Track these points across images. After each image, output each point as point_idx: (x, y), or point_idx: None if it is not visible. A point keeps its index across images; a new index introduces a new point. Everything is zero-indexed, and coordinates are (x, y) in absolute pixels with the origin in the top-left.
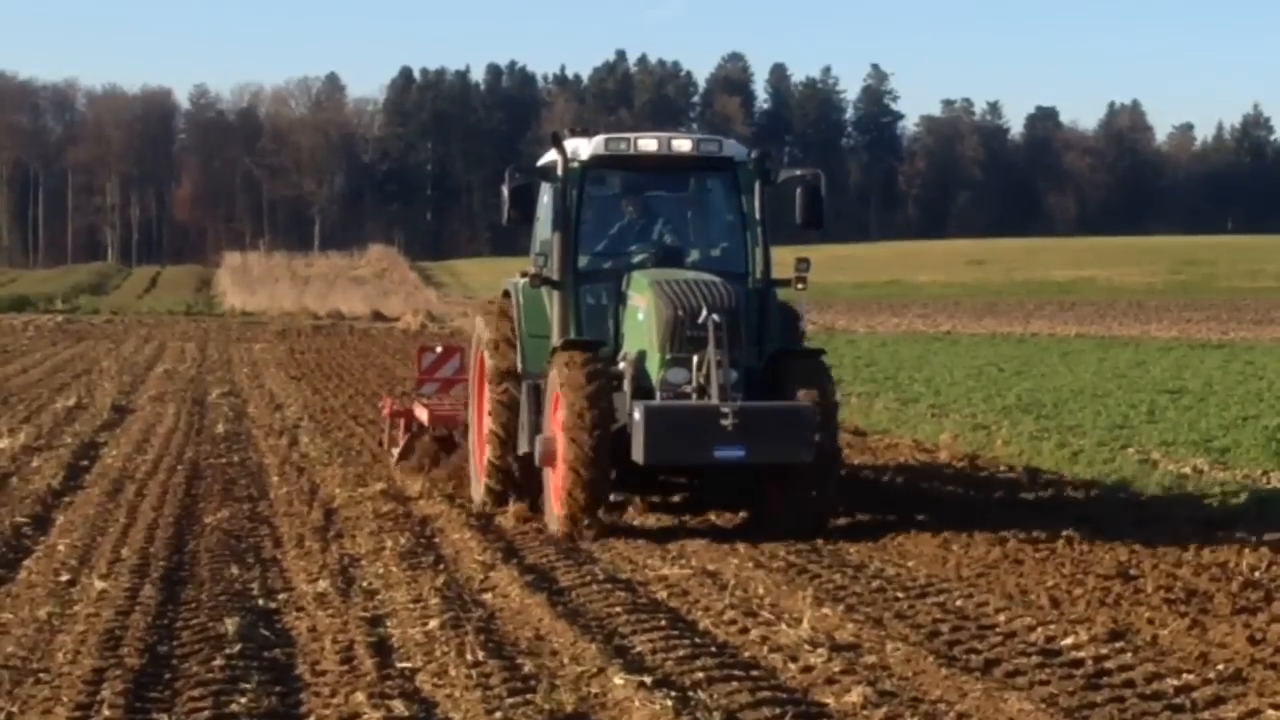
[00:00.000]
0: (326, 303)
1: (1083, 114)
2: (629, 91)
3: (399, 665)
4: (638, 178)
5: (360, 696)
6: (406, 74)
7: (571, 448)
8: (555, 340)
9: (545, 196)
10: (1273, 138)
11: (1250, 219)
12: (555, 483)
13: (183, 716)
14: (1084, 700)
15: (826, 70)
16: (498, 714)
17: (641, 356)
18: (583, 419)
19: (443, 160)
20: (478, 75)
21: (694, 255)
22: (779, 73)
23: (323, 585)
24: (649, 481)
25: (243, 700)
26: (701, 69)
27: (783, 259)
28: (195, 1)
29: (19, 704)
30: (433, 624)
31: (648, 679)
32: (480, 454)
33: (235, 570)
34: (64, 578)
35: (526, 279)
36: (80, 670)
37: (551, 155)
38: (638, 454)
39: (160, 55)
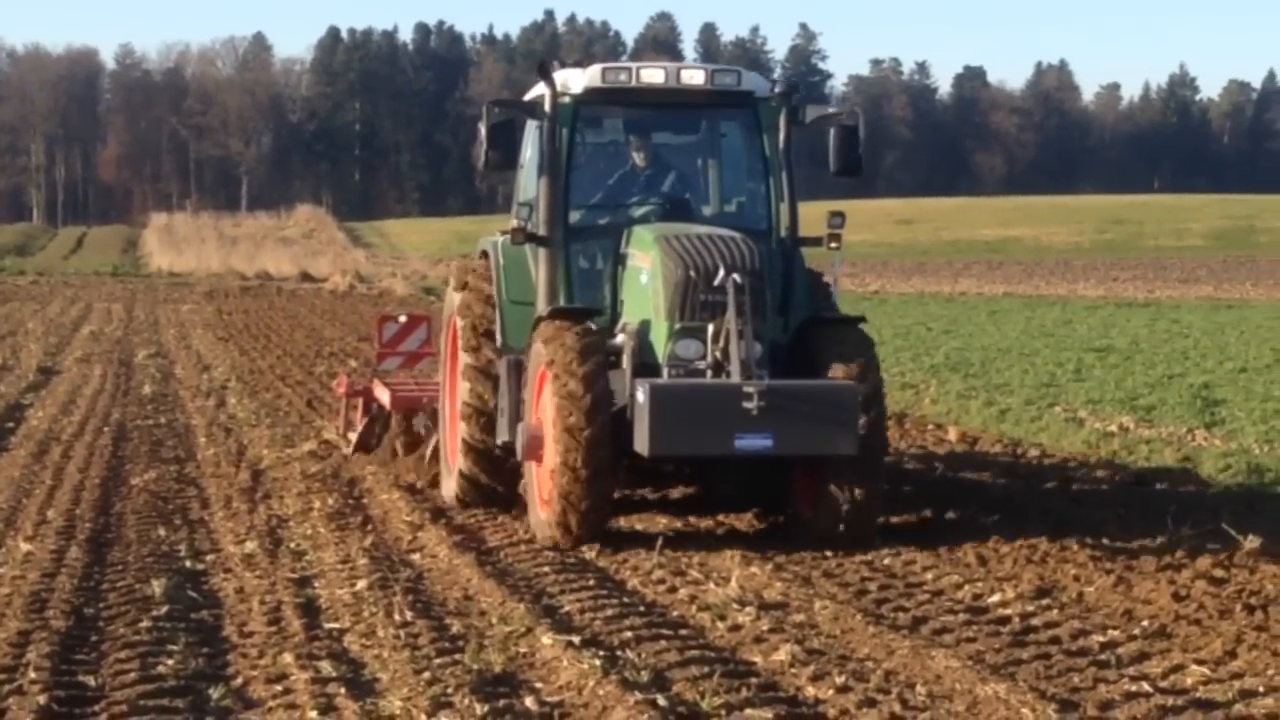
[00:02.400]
0: (254, 263)
1: (1010, 74)
2: (557, 51)
3: (327, 626)
4: (640, 116)
5: (288, 657)
6: (334, 33)
7: (564, 440)
8: (541, 307)
9: (530, 138)
10: (1198, 97)
11: (1176, 178)
12: (543, 482)
13: (109, 679)
14: (1010, 657)
15: (755, 30)
16: (426, 674)
17: (645, 327)
18: (577, 405)
19: (370, 120)
20: (406, 35)
21: (707, 209)
22: (708, 32)
23: (250, 546)
24: (646, 474)
25: (170, 662)
26: (630, 28)
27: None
28: None
29: None
30: (361, 585)
31: (576, 639)
32: (452, 441)
33: (162, 532)
34: None
35: (507, 236)
36: (5, 633)
37: (538, 89)
38: (641, 444)
39: (85, 14)
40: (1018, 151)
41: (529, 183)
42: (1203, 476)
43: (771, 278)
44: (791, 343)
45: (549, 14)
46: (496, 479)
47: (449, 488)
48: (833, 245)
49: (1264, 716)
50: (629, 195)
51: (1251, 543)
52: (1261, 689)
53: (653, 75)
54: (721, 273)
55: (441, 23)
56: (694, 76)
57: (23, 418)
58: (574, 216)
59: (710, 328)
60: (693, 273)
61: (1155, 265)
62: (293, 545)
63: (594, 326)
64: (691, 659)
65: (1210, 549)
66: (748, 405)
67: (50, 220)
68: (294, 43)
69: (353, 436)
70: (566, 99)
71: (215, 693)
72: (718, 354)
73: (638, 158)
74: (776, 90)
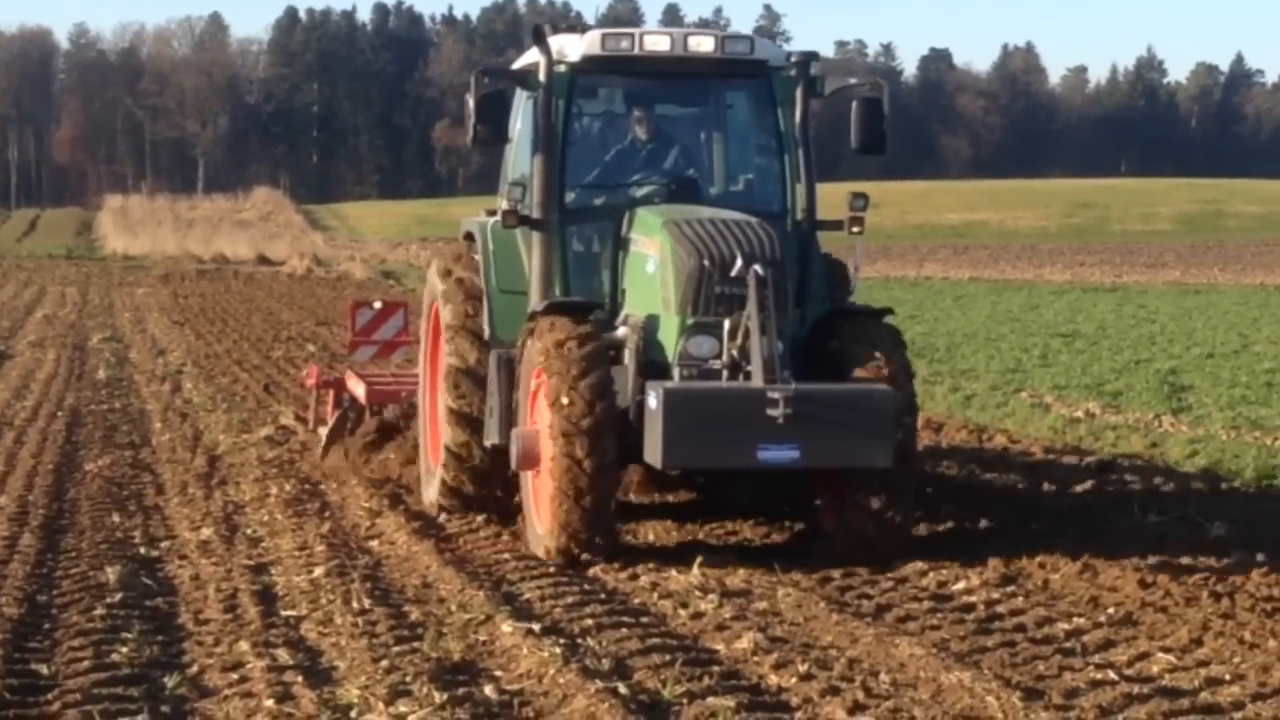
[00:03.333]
0: (210, 246)
1: (976, 56)
2: (518, 33)
3: (284, 613)
4: (642, 87)
5: (244, 645)
6: (291, 14)
7: (566, 450)
8: (534, 298)
9: (522, 111)
10: (1166, 80)
11: (1144, 162)
12: (540, 492)
13: (63, 667)
14: (975, 645)
15: (718, 11)
16: (384, 662)
17: (652, 321)
18: (580, 412)
19: (329, 102)
20: (364, 15)
21: (715, 188)
22: (671, 13)
23: (206, 533)
24: (651, 479)
25: (124, 650)
26: (592, 9)
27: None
28: None
29: None
30: (318, 571)
31: (536, 626)
32: (434, 441)
33: (116, 518)
34: None
35: (495, 218)
36: None
37: (531, 56)
38: (653, 455)
39: None
40: (984, 134)
41: (520, 160)
42: (1170, 463)
43: (789, 266)
44: (810, 338)
45: None
46: (482, 486)
47: (429, 493)
48: (854, 230)
49: (1230, 704)
50: (630, 173)
51: (1218, 529)
52: (1228, 676)
53: (658, 43)
54: (739, 262)
55: (400, 3)
56: (703, 44)
57: None
58: (569, 197)
59: (726, 323)
60: (706, 262)
61: (1122, 250)
62: (249, 532)
63: (595, 326)
64: (653, 647)
65: (1177, 536)
66: (773, 413)
67: (3, 202)
68: (251, 23)
69: (323, 432)
70: (562, 67)
71: (171, 681)
72: (734, 352)
73: (639, 132)
74: (793, 59)
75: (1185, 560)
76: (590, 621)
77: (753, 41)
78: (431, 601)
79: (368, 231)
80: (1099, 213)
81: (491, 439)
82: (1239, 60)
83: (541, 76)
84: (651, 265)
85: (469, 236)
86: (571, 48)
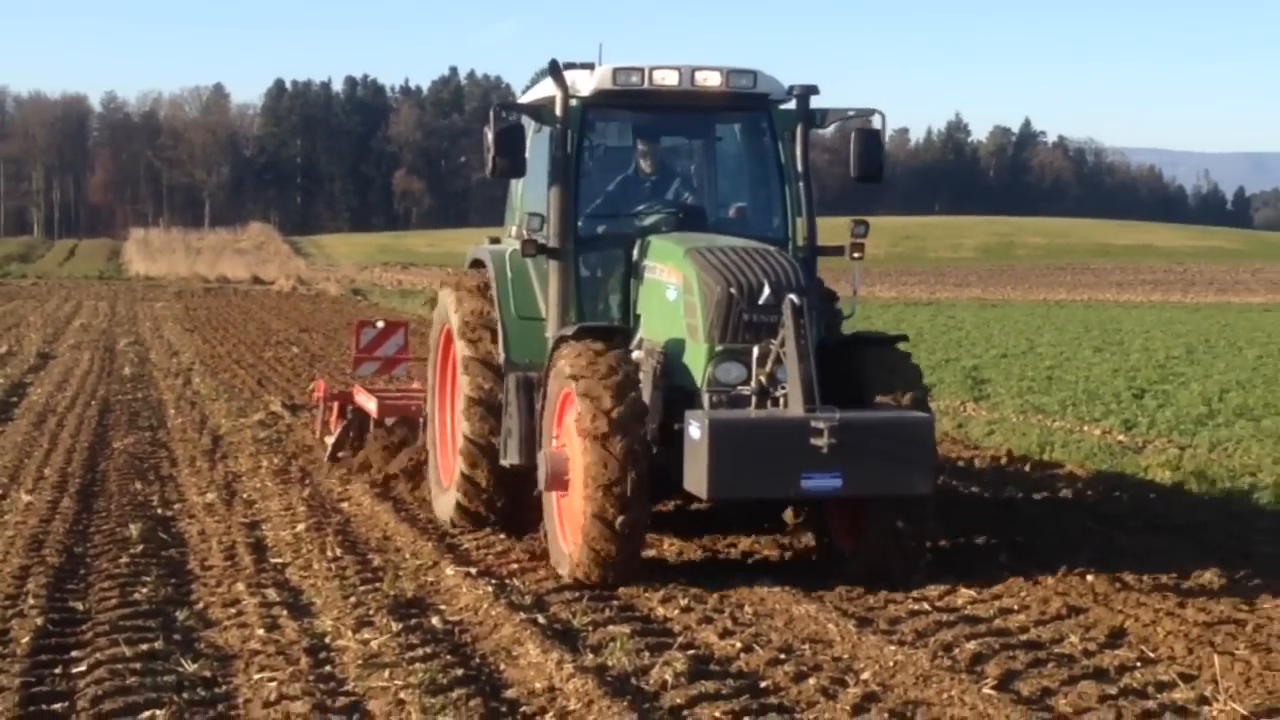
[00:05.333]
0: (214, 269)
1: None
2: (461, 100)
3: (272, 561)
4: (650, 119)
5: (240, 586)
6: (280, 84)
7: (596, 491)
8: (553, 323)
9: (533, 143)
10: (970, 139)
11: (953, 203)
12: (567, 513)
13: (95, 604)
14: (820, 583)
15: None
16: (352, 599)
17: (676, 346)
18: (613, 448)
19: (309, 155)
20: (338, 86)
21: (720, 217)
22: None
23: (210, 497)
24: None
25: (144, 590)
26: (519, 81)
27: None
28: (106, 22)
29: None
30: (300, 527)
31: (473, 570)
32: (444, 458)
33: (138, 485)
34: None
35: (503, 246)
36: (9, 567)
37: (544, 90)
38: (697, 485)
39: (76, 66)
40: (828, 181)
41: (536, 191)
42: (972, 440)
43: (812, 295)
44: (820, 364)
45: (453, 69)
46: (496, 509)
47: (443, 508)
48: (855, 255)
49: (1016, 628)
50: (637, 202)
51: (1012, 492)
52: (1016, 607)
53: (666, 77)
54: (767, 290)
55: (366, 76)
56: (709, 78)
57: (25, 394)
58: (580, 225)
59: (755, 350)
60: (734, 290)
61: (936, 273)
62: (244, 496)
63: (624, 351)
64: (566, 586)
65: (979, 498)
66: (817, 442)
67: (48, 234)
68: (248, 91)
69: (329, 440)
70: (574, 101)
71: (181, 615)
72: (762, 379)
73: (645, 163)
74: (794, 92)
75: (994, 513)
76: (515, 565)
77: (756, 76)
78: (390, 550)
79: (340, 257)
80: (918, 243)
81: (511, 459)
82: (1027, 124)
83: (558, 110)
84: (673, 293)
85: (477, 263)
86: (583, 82)
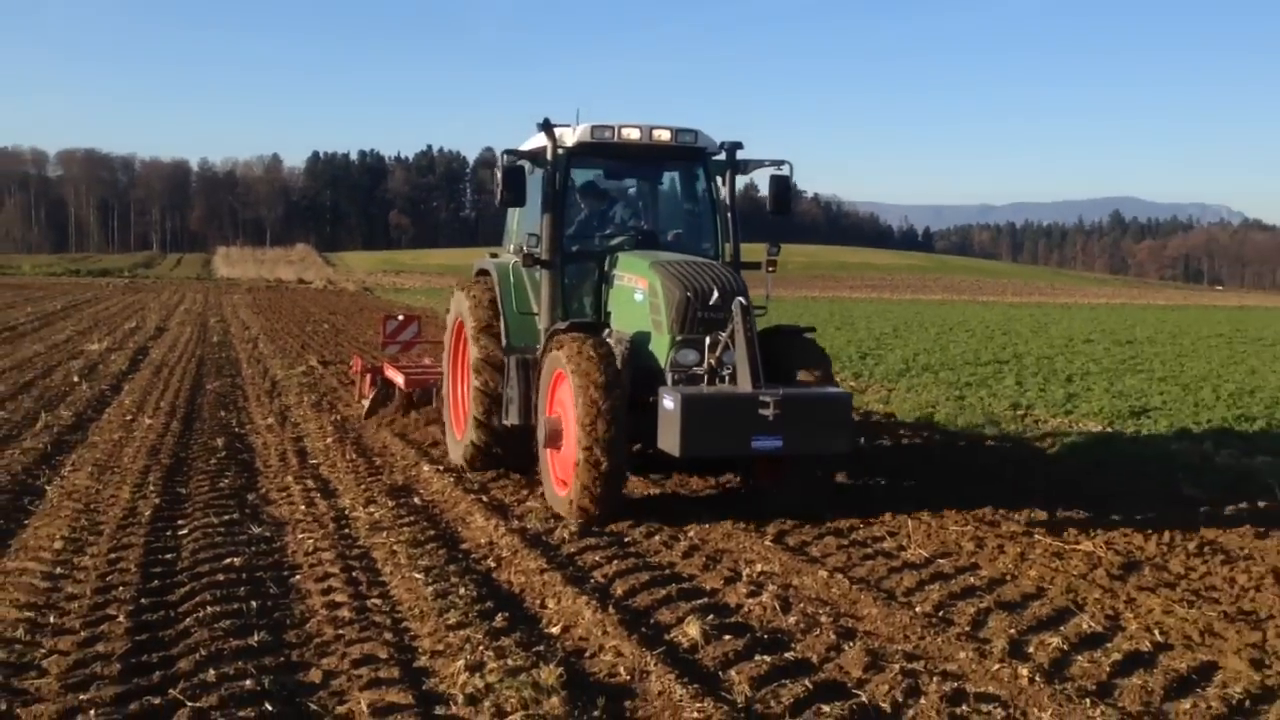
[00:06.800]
0: (274, 274)
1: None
2: (433, 166)
3: (310, 462)
4: (617, 165)
5: (289, 478)
6: (315, 155)
7: (588, 442)
8: (544, 319)
9: (529, 182)
10: (759, 193)
11: (749, 235)
12: (559, 465)
13: (193, 490)
14: (726, 499)
15: None
16: (362, 486)
17: (642, 337)
18: (601, 410)
19: (335, 201)
20: (354, 155)
21: (667, 239)
22: None
23: (270, 420)
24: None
25: (226, 480)
26: (471, 154)
27: None
28: (207, 104)
29: (103, 484)
30: (329, 440)
31: (440, 467)
32: (457, 417)
33: (223, 413)
34: (128, 418)
35: (499, 259)
36: (137, 465)
37: (539, 140)
38: (671, 445)
39: (180, 138)
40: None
41: (531, 217)
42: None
43: None
44: None
45: (429, 146)
46: (501, 448)
47: (457, 453)
48: (770, 269)
49: (921, 561)
50: (606, 227)
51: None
52: (905, 544)
53: (630, 132)
54: (716, 294)
55: (373, 149)
56: (662, 134)
57: (148, 353)
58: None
59: (707, 340)
60: (690, 294)
61: None
62: (292, 420)
63: (606, 341)
64: (502, 475)
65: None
66: (764, 412)
67: (163, 250)
68: (295, 158)
69: (365, 403)
70: (561, 150)
71: (250, 496)
72: (713, 361)
73: (612, 197)
74: (724, 146)
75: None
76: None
77: (696, 134)
78: (388, 455)
79: (355, 266)
80: None
81: (511, 420)
82: (795, 184)
83: (549, 156)
84: (639, 295)
85: (482, 272)
86: (568, 136)
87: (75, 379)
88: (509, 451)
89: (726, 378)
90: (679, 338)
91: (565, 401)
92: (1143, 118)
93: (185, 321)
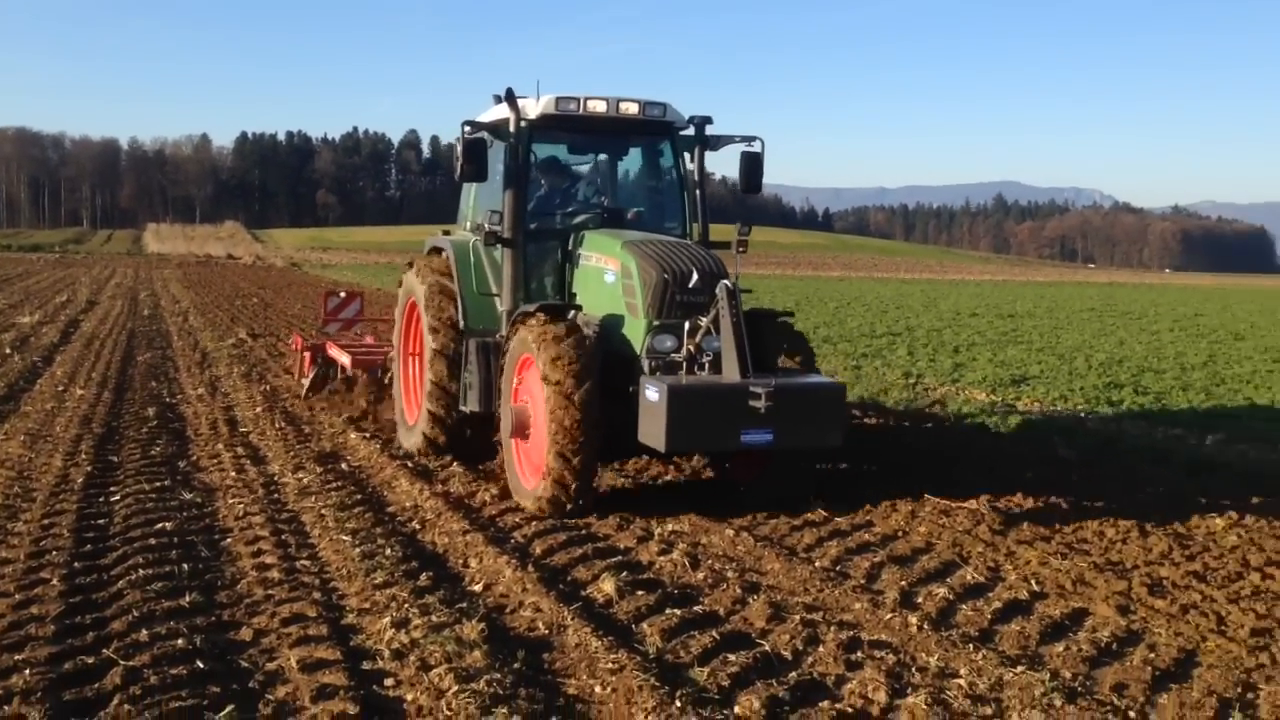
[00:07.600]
0: (203, 250)
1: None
2: (359, 147)
3: (240, 430)
4: (582, 139)
5: (220, 446)
6: (244, 135)
7: (560, 433)
8: (506, 300)
9: (490, 155)
10: None
11: None
12: (528, 455)
13: (125, 458)
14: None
15: None
16: (290, 453)
17: (614, 320)
18: (574, 398)
19: (263, 180)
20: (281, 136)
21: (635, 217)
22: (437, 142)
23: (200, 390)
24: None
25: (157, 449)
26: (396, 136)
27: None
28: (132, 80)
29: (36, 452)
30: (259, 409)
31: (367, 433)
32: (409, 401)
33: (154, 384)
34: (60, 389)
35: (455, 237)
36: (69, 434)
37: (500, 112)
38: (655, 440)
39: (111, 116)
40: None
41: (493, 193)
42: None
43: None
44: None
45: (355, 128)
46: (453, 439)
47: (411, 440)
48: (740, 250)
49: (878, 540)
50: (569, 204)
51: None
52: (868, 520)
53: (596, 105)
54: (695, 277)
55: (301, 130)
56: (629, 108)
57: (79, 326)
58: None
59: (686, 325)
60: (668, 276)
61: None
62: (222, 390)
63: (575, 323)
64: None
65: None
66: (755, 404)
67: (94, 226)
68: (224, 137)
69: (305, 381)
70: (524, 122)
71: (182, 464)
72: (691, 348)
73: (577, 172)
74: (693, 121)
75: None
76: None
77: (665, 107)
78: (315, 423)
79: (283, 243)
80: None
81: (470, 407)
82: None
83: (512, 128)
84: (610, 277)
85: (435, 250)
86: (531, 108)
87: (7, 350)
88: (465, 442)
89: (707, 365)
90: (656, 323)
91: (533, 389)
92: (1025, 107)
93: (116, 295)
